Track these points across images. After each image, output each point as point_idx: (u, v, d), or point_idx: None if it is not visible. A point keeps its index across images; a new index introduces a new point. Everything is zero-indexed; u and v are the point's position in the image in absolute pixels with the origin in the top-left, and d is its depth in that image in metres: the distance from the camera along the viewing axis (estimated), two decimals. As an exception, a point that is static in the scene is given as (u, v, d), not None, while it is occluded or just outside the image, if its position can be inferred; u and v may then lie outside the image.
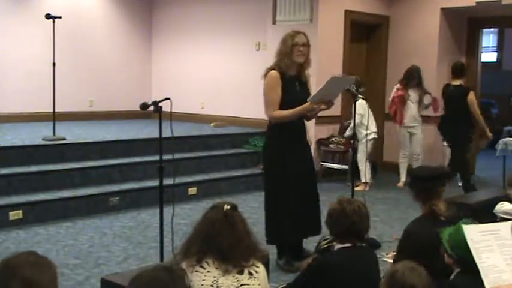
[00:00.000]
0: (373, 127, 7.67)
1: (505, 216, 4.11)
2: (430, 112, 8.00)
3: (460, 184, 7.99)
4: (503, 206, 4.21)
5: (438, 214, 2.95)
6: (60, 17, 7.04)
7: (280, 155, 4.53)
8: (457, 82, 7.16)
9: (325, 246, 4.46)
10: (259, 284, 2.47)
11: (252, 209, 6.44)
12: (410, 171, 3.38)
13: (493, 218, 4.21)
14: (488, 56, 13.01)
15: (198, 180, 7.15)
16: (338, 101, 8.06)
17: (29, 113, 9.00)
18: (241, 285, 2.43)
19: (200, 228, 2.52)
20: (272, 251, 4.58)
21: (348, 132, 7.99)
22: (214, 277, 2.42)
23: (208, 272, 2.43)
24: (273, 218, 4.58)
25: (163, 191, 3.98)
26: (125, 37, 10.29)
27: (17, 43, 8.93)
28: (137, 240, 5.33)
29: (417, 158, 7.76)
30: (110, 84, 10.01)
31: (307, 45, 4.44)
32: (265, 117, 4.70)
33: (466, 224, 2.55)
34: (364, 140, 7.30)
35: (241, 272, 2.45)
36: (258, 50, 8.93)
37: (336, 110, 8.11)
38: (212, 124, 9.06)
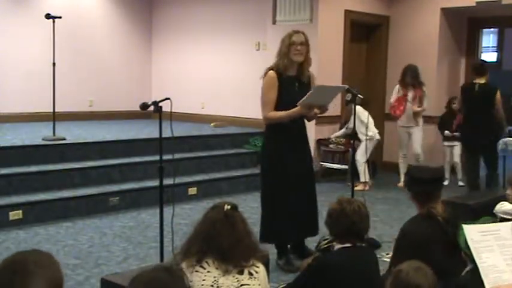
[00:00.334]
0: (373, 129, 7.70)
1: (505, 216, 4.11)
2: (430, 112, 8.00)
3: (461, 184, 7.99)
4: (503, 206, 4.20)
5: (435, 215, 2.95)
6: (60, 17, 7.04)
7: (277, 154, 4.53)
8: (482, 80, 7.06)
9: (325, 246, 4.47)
10: (259, 284, 2.47)
11: (252, 209, 6.44)
12: (408, 171, 3.34)
13: (493, 218, 4.20)
14: (488, 56, 13.01)
15: (198, 180, 7.15)
16: (338, 101, 8.08)
17: (29, 113, 9.00)
18: (242, 285, 2.43)
19: (200, 228, 2.52)
20: (272, 251, 4.58)
21: (340, 132, 7.98)
22: (215, 277, 2.42)
23: (208, 272, 2.43)
24: (269, 217, 4.57)
25: (163, 191, 3.98)
26: (125, 37, 10.29)
27: (17, 43, 8.94)
28: (137, 240, 5.33)
29: (417, 159, 7.70)
30: (110, 84, 10.01)
31: (305, 44, 4.42)
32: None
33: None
34: (364, 140, 7.30)
35: (241, 272, 2.45)
36: (258, 50, 8.93)
37: (336, 110, 8.13)
38: (212, 124, 9.06)
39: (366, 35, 9.11)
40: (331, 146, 8.15)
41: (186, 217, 6.08)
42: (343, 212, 2.86)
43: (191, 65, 9.96)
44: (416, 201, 3.10)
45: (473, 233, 2.51)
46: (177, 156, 6.60)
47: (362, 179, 7.54)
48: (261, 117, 4.67)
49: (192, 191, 6.99)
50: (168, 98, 3.82)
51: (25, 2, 9.04)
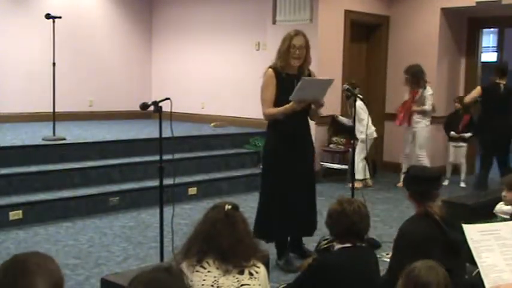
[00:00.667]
0: (372, 127, 7.68)
1: (505, 216, 4.11)
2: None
3: (462, 186, 7.99)
4: (503, 206, 4.21)
5: (432, 214, 2.95)
6: (60, 17, 7.05)
7: (278, 153, 4.55)
8: (504, 81, 7.10)
9: (325, 246, 4.47)
10: (259, 284, 2.47)
11: (252, 209, 6.40)
12: (407, 170, 3.34)
13: (493, 218, 4.21)
14: (488, 56, 13.00)
15: (198, 180, 7.15)
16: (338, 101, 8.09)
17: (29, 113, 9.00)
18: (242, 285, 2.43)
19: (201, 228, 2.52)
20: (272, 251, 4.58)
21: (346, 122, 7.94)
22: (215, 277, 2.42)
23: (208, 272, 2.43)
24: (263, 215, 4.59)
25: (163, 191, 3.98)
26: (125, 37, 10.29)
27: (17, 43, 8.94)
28: (137, 240, 5.33)
29: (418, 159, 7.65)
30: (110, 84, 10.01)
31: (304, 47, 4.43)
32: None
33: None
34: (361, 138, 7.29)
35: (241, 272, 2.45)
36: (258, 50, 8.93)
37: (336, 110, 8.14)
38: (212, 124, 9.06)
39: (366, 35, 9.11)
40: (331, 146, 8.15)
41: (186, 217, 6.08)
42: (344, 212, 2.85)
43: (191, 65, 9.96)
44: (413, 200, 3.10)
45: (473, 233, 2.50)
46: (177, 156, 6.60)
47: (357, 177, 7.45)
48: (261, 117, 4.71)
49: (192, 191, 6.99)
50: (168, 98, 3.82)
51: (25, 2, 9.04)
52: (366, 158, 7.76)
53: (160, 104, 3.80)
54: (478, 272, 2.47)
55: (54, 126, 6.91)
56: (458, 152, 8.10)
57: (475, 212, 4.62)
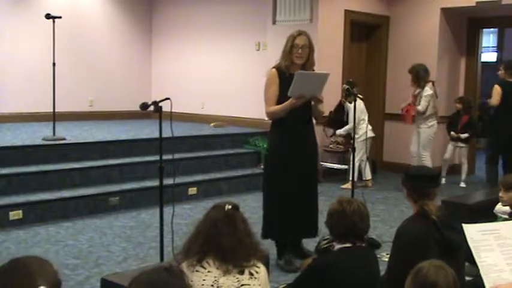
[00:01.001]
0: (369, 125, 7.62)
1: (504, 216, 4.11)
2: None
3: (462, 186, 7.99)
4: (503, 206, 4.21)
5: (429, 214, 2.95)
6: (60, 17, 7.05)
7: (282, 153, 4.56)
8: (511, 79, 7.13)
9: (325, 246, 4.47)
10: (259, 284, 2.47)
11: (252, 209, 6.44)
12: (405, 170, 3.36)
13: (493, 218, 4.21)
14: (488, 56, 13.00)
15: (198, 180, 7.15)
16: (337, 101, 8.08)
17: (29, 113, 9.00)
18: (242, 285, 2.43)
19: (201, 228, 2.52)
20: (272, 251, 4.58)
21: (342, 132, 7.93)
22: (215, 277, 2.42)
23: (208, 272, 2.43)
24: (271, 215, 4.60)
25: (163, 191, 3.98)
26: (125, 37, 10.29)
27: (17, 43, 8.93)
28: (137, 240, 5.33)
29: (421, 159, 7.60)
30: (110, 84, 10.01)
31: (307, 47, 4.45)
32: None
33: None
34: (359, 139, 7.28)
35: (241, 272, 2.45)
36: (258, 50, 8.93)
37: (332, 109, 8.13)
38: (212, 124, 9.06)
39: (366, 35, 9.11)
40: (331, 146, 8.15)
41: (186, 217, 6.09)
42: (344, 212, 2.86)
43: (191, 65, 9.96)
44: (410, 199, 3.10)
45: (473, 233, 2.50)
46: (177, 156, 6.60)
47: (351, 178, 7.40)
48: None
49: (192, 191, 6.99)
50: (168, 98, 3.82)
51: (25, 2, 9.04)
52: (365, 159, 7.73)
53: (160, 104, 3.80)
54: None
55: (54, 126, 6.91)
56: (459, 152, 8.11)
57: (475, 212, 4.63)
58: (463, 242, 2.71)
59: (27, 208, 5.72)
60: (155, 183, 5.80)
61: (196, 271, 2.44)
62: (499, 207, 4.28)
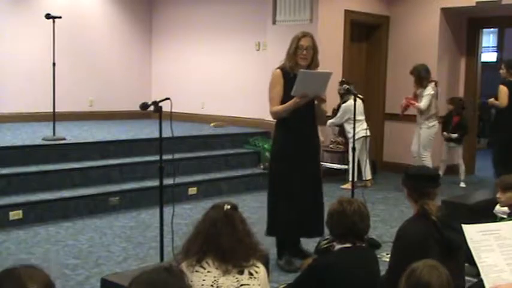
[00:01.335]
0: (363, 125, 7.58)
1: (504, 216, 4.11)
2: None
3: (462, 186, 7.99)
4: (504, 207, 4.20)
5: (429, 214, 2.95)
6: (60, 17, 7.05)
7: (286, 153, 4.58)
8: None
9: (325, 246, 4.47)
10: (259, 284, 2.47)
11: (252, 209, 6.44)
12: (405, 170, 3.37)
13: (493, 218, 4.21)
14: (488, 56, 13.00)
15: (198, 180, 7.15)
16: (337, 100, 8.08)
17: (29, 113, 9.00)
18: (241, 285, 2.43)
19: (200, 228, 2.52)
20: (272, 251, 4.58)
21: (329, 123, 7.88)
22: (215, 277, 2.42)
23: (208, 272, 2.43)
24: (276, 212, 4.63)
25: (163, 191, 3.98)
26: (125, 37, 10.29)
27: (17, 43, 8.93)
28: (137, 240, 5.33)
29: (421, 159, 7.60)
30: (110, 84, 10.01)
31: (311, 48, 4.49)
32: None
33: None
34: (351, 140, 7.26)
35: (241, 272, 2.45)
36: (258, 50, 8.93)
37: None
38: (212, 124, 9.06)
39: (366, 35, 9.11)
40: (331, 146, 8.15)
41: (186, 217, 6.09)
42: (344, 213, 2.86)
43: (191, 65, 9.96)
44: (411, 199, 3.11)
45: (473, 233, 2.50)
46: (177, 156, 6.60)
47: (350, 178, 7.39)
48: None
49: (192, 191, 6.99)
50: (168, 98, 3.82)
51: (25, 2, 9.04)
52: (365, 158, 7.71)
53: (160, 104, 3.80)
54: None
55: (54, 126, 6.91)
56: (453, 153, 8.13)
57: (475, 212, 4.62)
58: (463, 242, 2.71)
59: (27, 208, 5.72)
60: (155, 183, 5.80)
61: (196, 271, 2.44)
62: (499, 208, 4.27)
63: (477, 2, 8.07)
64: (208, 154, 7.76)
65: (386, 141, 9.13)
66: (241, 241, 2.47)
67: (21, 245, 5.07)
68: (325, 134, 8.19)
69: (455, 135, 7.97)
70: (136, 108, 4.18)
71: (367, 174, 7.85)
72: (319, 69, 4.67)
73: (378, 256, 3.60)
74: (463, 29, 8.98)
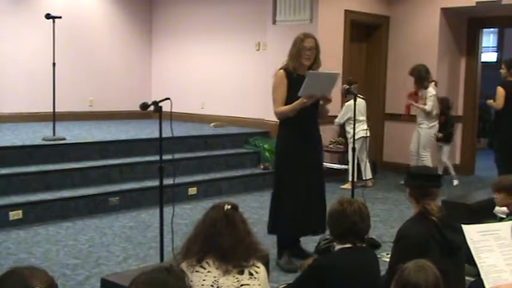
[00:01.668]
0: (363, 126, 7.58)
1: (504, 216, 4.11)
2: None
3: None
4: (503, 207, 4.21)
5: (430, 214, 2.95)
6: (60, 17, 7.05)
7: (290, 151, 4.63)
8: None
9: (325, 246, 4.47)
10: (259, 284, 2.47)
11: (252, 209, 6.44)
12: (407, 170, 3.38)
13: (493, 218, 4.21)
14: (488, 56, 13.00)
15: (198, 180, 7.15)
16: (338, 100, 8.08)
17: (29, 113, 9.01)
18: (242, 285, 2.43)
19: (201, 228, 2.52)
20: (272, 251, 4.58)
21: (338, 120, 7.89)
22: (215, 277, 2.42)
23: (208, 272, 2.43)
24: (278, 211, 4.66)
25: (163, 191, 3.98)
26: (125, 37, 10.29)
27: (17, 43, 8.93)
28: (137, 240, 5.33)
29: (421, 159, 7.59)
30: (110, 84, 10.01)
31: (314, 48, 4.56)
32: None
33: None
34: (351, 140, 7.25)
35: (241, 272, 2.45)
36: (258, 50, 8.93)
37: (337, 109, 8.13)
38: (212, 124, 9.06)
39: (366, 35, 9.11)
40: (331, 146, 8.15)
41: (186, 217, 6.09)
42: (344, 213, 2.85)
43: (191, 65, 9.96)
44: (412, 198, 3.11)
45: (473, 233, 2.51)
46: (177, 156, 6.61)
47: (350, 178, 7.38)
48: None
49: (192, 191, 6.99)
50: (168, 98, 3.82)
51: (25, 2, 9.04)
52: (365, 159, 7.71)
53: (160, 104, 3.80)
54: None
55: (54, 126, 6.91)
56: (440, 151, 8.16)
57: (475, 212, 4.63)
58: (463, 242, 2.72)
59: (27, 208, 5.71)
60: (155, 183, 5.80)
61: (196, 271, 2.44)
62: (499, 208, 4.27)
63: (477, 2, 8.07)
64: (208, 154, 7.76)
65: (386, 141, 9.13)
66: (242, 241, 2.47)
67: (21, 245, 5.06)
68: (325, 134, 8.20)
69: (440, 135, 7.98)
70: (136, 108, 4.17)
71: (368, 174, 7.85)
72: (321, 69, 4.70)
73: (378, 256, 3.60)
74: (463, 29, 8.98)
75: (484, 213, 4.31)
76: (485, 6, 8.14)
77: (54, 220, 5.81)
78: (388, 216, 6.36)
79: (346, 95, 7.55)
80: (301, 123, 4.56)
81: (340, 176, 8.01)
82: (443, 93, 8.60)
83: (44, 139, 6.83)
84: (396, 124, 8.73)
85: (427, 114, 7.50)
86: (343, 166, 8.06)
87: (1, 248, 4.98)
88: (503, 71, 7.22)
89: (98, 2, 9.90)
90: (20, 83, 8.96)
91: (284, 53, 4.69)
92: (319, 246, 4.74)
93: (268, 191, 6.12)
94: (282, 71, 4.59)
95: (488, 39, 13.40)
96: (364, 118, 7.58)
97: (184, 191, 6.87)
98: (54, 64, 6.93)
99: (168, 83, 10.17)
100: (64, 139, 6.91)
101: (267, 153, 7.88)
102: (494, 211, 4.32)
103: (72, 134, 7.51)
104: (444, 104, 8.07)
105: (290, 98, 4.50)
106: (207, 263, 2.44)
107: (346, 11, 8.32)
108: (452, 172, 8.13)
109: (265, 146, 7.97)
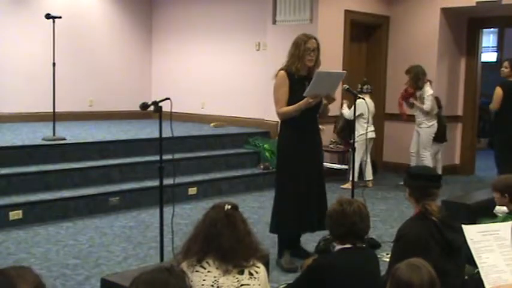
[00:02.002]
0: (371, 127, 7.63)
1: (503, 216, 4.11)
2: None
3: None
4: (503, 206, 4.21)
5: (430, 214, 2.95)
6: (60, 17, 7.05)
7: (291, 151, 4.64)
8: None
9: (325, 246, 4.48)
10: (259, 284, 2.47)
11: (252, 209, 6.44)
12: (407, 170, 3.39)
13: (493, 218, 4.21)
14: (488, 56, 13.00)
15: (198, 180, 7.15)
16: (338, 100, 8.08)
17: (29, 113, 9.00)
18: (242, 285, 2.43)
19: (201, 228, 2.52)
20: (272, 250, 4.59)
21: (344, 112, 7.88)
22: (215, 277, 2.42)
23: (208, 272, 2.43)
24: (280, 210, 4.68)
25: (163, 191, 3.98)
26: (125, 37, 10.28)
27: (17, 43, 8.93)
28: (137, 240, 5.33)
29: (421, 159, 7.59)
30: (110, 84, 10.01)
31: (317, 49, 4.60)
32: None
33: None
34: (358, 139, 7.26)
35: (241, 272, 2.45)
36: (258, 50, 8.92)
37: (337, 109, 8.13)
38: (212, 124, 9.06)
39: (366, 35, 9.11)
40: (331, 146, 8.15)
41: (186, 217, 6.09)
42: (344, 213, 2.85)
43: (191, 65, 9.96)
44: (412, 198, 3.11)
45: (473, 233, 2.51)
46: (177, 156, 6.61)
47: (350, 178, 7.38)
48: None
49: (192, 191, 6.99)
50: (168, 98, 3.83)
51: (25, 2, 9.04)
52: (366, 159, 7.71)
53: (160, 104, 3.80)
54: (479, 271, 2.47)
55: (54, 126, 6.90)
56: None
57: (475, 212, 4.62)
58: (463, 242, 2.71)
59: (27, 208, 5.71)
60: (155, 183, 5.80)
61: (196, 271, 2.44)
62: (499, 208, 4.28)
63: (477, 2, 8.07)
64: (208, 154, 7.76)
65: (386, 141, 9.13)
66: (242, 241, 2.47)
67: (21, 245, 5.06)
68: (325, 134, 8.20)
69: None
70: (136, 108, 4.18)
71: (368, 175, 7.85)
72: (321, 69, 4.70)
73: (378, 256, 3.60)
74: (463, 29, 8.98)
75: (484, 213, 4.31)
76: (485, 6, 8.14)
77: (54, 220, 5.81)
78: (388, 216, 6.36)
79: (359, 93, 7.55)
80: (303, 123, 4.58)
81: (340, 176, 8.01)
82: (443, 93, 8.61)
83: (44, 139, 6.83)
84: (396, 124, 8.73)
85: (426, 114, 7.51)
86: (343, 166, 8.06)
87: (1, 248, 4.98)
88: (506, 69, 7.16)
89: (98, 2, 9.89)
90: (20, 83, 8.95)
91: (284, 53, 4.69)
92: (319, 246, 4.74)
93: (269, 191, 6.12)
94: (283, 71, 4.59)
95: (488, 39, 13.40)
96: (371, 119, 7.61)
97: (184, 191, 6.87)
98: (54, 64, 6.93)
99: (168, 83, 10.16)
100: (64, 139, 6.91)
101: (267, 153, 7.87)
102: (494, 211, 4.32)
103: (72, 134, 7.51)
104: (436, 103, 8.07)
105: (291, 98, 4.51)
106: (207, 262, 2.45)
107: (346, 11, 8.32)
108: (440, 171, 8.10)
109: (265, 146, 7.97)
